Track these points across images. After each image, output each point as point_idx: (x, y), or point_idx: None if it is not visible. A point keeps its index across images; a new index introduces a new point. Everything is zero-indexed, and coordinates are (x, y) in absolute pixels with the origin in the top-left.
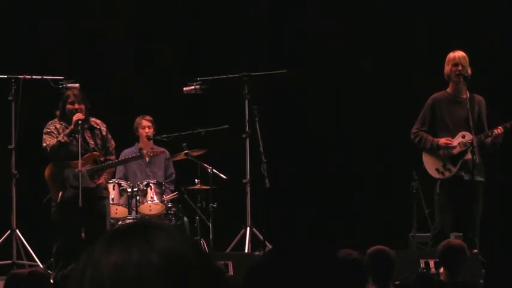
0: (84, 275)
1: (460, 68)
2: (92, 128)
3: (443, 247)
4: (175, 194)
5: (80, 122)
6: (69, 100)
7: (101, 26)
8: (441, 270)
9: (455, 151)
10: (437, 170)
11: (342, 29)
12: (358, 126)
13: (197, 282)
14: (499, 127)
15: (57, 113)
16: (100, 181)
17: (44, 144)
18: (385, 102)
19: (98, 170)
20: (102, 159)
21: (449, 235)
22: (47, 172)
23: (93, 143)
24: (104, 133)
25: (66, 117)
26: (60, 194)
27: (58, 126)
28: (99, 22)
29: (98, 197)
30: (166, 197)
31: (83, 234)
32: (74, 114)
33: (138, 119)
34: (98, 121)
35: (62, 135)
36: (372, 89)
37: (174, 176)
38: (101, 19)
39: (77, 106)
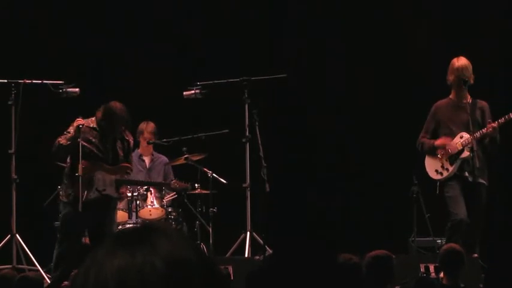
0: (87, 278)
1: (464, 78)
2: (122, 139)
3: (443, 252)
4: (174, 195)
5: (80, 126)
6: (115, 122)
7: (101, 29)
8: (441, 274)
9: (451, 151)
10: (436, 171)
11: (342, 31)
12: (358, 130)
13: (200, 286)
14: (493, 123)
15: (98, 114)
16: (124, 194)
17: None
18: (385, 105)
19: (126, 182)
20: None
21: (467, 224)
22: (82, 169)
23: (122, 154)
24: (131, 146)
25: (103, 128)
26: (85, 193)
27: (85, 128)
28: (99, 24)
29: (113, 207)
30: (165, 199)
31: (85, 240)
32: (110, 132)
33: (142, 125)
34: (130, 136)
35: (63, 138)
36: (373, 92)
37: None
38: (101, 22)
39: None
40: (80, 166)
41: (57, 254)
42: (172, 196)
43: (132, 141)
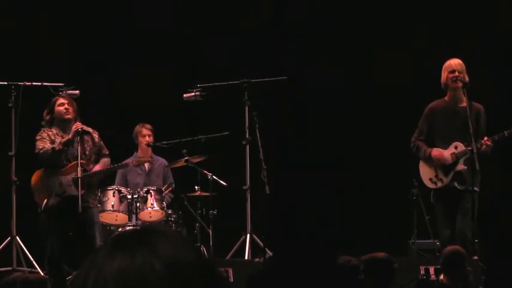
0: (87, 280)
1: (456, 73)
2: (82, 135)
3: (445, 253)
4: (169, 187)
5: (80, 130)
6: (58, 102)
7: (101, 31)
8: (441, 276)
9: (447, 162)
10: (430, 179)
11: (342, 31)
12: (358, 131)
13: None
14: (488, 141)
15: (45, 118)
16: (96, 168)
17: (37, 150)
18: (385, 106)
19: (85, 177)
20: (90, 167)
21: (454, 238)
22: (34, 178)
23: (80, 150)
24: (97, 140)
25: (56, 122)
26: (45, 201)
27: (50, 133)
28: (99, 26)
29: (84, 206)
30: (164, 194)
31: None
32: (65, 114)
33: (138, 127)
34: (90, 129)
35: (57, 143)
36: (373, 94)
37: (173, 185)
38: (101, 24)
39: (66, 106)
40: (79, 168)
41: (46, 261)
42: (169, 189)
43: (96, 135)
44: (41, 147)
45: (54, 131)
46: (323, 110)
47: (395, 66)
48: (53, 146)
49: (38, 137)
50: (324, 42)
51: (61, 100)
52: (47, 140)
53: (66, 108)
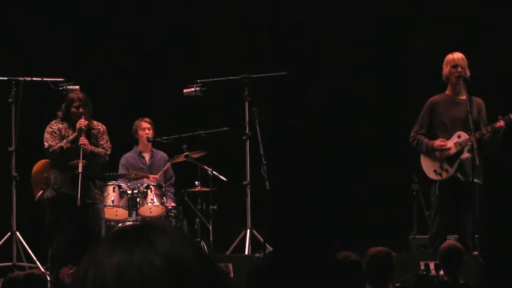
0: (86, 276)
1: (459, 69)
2: (88, 132)
3: (444, 249)
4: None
5: (83, 128)
6: (74, 104)
7: (101, 27)
8: (441, 272)
9: (451, 151)
10: (435, 171)
11: (342, 29)
12: (359, 128)
13: (199, 284)
14: (501, 121)
15: (59, 114)
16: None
17: (46, 145)
18: (385, 103)
19: (87, 178)
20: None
21: (445, 237)
22: (35, 168)
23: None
24: (102, 130)
25: (69, 119)
26: (40, 193)
27: (60, 126)
28: (99, 23)
29: (90, 203)
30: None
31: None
32: (78, 117)
33: (137, 122)
34: (100, 124)
35: (65, 141)
36: (372, 90)
37: (173, 178)
38: (101, 20)
39: (81, 110)
40: (81, 164)
41: (50, 256)
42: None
43: (102, 128)
44: (49, 143)
45: (66, 125)
46: (323, 105)
47: (395, 66)
48: (61, 144)
49: (48, 129)
50: (324, 38)
51: (77, 103)
52: (57, 135)
53: (80, 113)
